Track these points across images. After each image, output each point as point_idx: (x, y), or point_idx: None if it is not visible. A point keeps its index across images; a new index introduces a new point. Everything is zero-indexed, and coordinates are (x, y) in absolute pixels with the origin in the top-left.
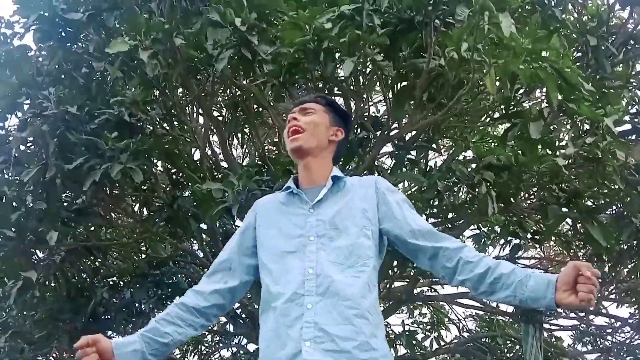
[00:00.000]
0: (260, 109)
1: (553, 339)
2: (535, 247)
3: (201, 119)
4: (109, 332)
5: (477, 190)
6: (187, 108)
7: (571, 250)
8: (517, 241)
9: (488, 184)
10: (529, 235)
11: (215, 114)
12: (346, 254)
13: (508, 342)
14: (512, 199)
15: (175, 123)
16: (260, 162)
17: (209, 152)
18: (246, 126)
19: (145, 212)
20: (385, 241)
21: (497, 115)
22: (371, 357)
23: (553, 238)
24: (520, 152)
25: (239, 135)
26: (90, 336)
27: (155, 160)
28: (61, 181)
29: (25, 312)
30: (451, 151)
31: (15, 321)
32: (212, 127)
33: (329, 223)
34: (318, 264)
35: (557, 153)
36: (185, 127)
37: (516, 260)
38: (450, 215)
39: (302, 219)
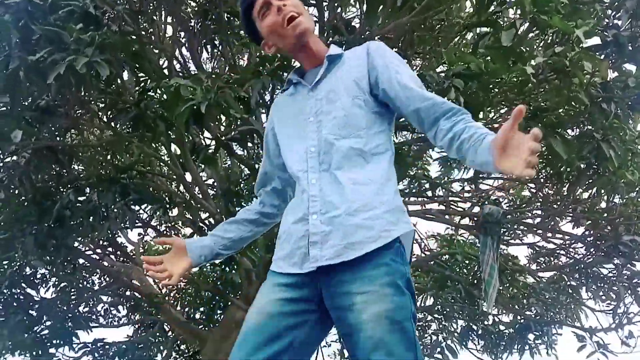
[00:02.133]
0: (232, 18)
1: (509, 258)
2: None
3: (169, 30)
4: (74, 236)
5: (446, 96)
6: (153, 9)
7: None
8: None
9: (457, 91)
10: None
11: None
12: (341, 124)
13: (466, 260)
14: (479, 109)
15: (144, 26)
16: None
17: (178, 64)
18: (216, 36)
19: (111, 115)
20: (389, 108)
21: (469, 25)
22: (373, 214)
23: None
24: (490, 60)
25: (209, 47)
26: (166, 239)
27: (121, 58)
28: (25, 74)
29: None
30: (423, 63)
31: None
32: (181, 37)
33: (325, 99)
34: (319, 142)
35: (527, 64)
36: (152, 30)
37: (479, 182)
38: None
39: (304, 102)
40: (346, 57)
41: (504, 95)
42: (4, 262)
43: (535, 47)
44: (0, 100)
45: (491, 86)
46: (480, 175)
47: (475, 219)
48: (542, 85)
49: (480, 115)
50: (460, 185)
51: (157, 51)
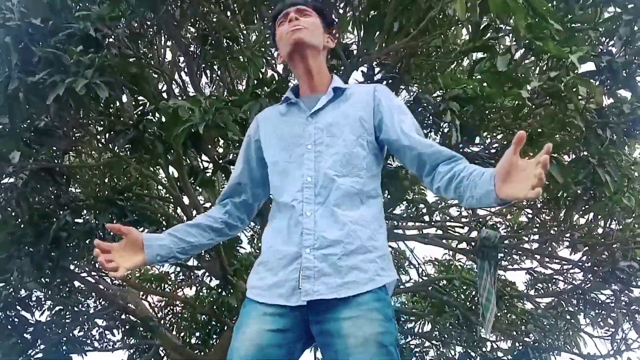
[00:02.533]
0: (231, 43)
1: (507, 284)
2: None
3: (169, 54)
4: (70, 259)
5: (442, 117)
6: (153, 33)
7: None
8: None
9: (453, 114)
10: None
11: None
12: (343, 162)
13: (464, 285)
14: (476, 133)
15: (143, 50)
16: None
17: (177, 88)
18: (215, 61)
19: (109, 137)
20: (384, 151)
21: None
22: (367, 258)
23: None
24: (486, 84)
25: (208, 72)
26: (122, 227)
27: (121, 81)
28: (24, 95)
29: None
30: (419, 90)
31: None
32: (180, 61)
33: (326, 131)
34: (317, 172)
35: (522, 88)
36: (152, 54)
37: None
38: None
39: (300, 127)
40: (350, 93)
41: (500, 120)
42: (0, 284)
43: (530, 72)
44: (0, 121)
45: (487, 110)
46: None
47: (473, 243)
48: (537, 110)
49: (477, 140)
50: (458, 211)
51: (156, 75)
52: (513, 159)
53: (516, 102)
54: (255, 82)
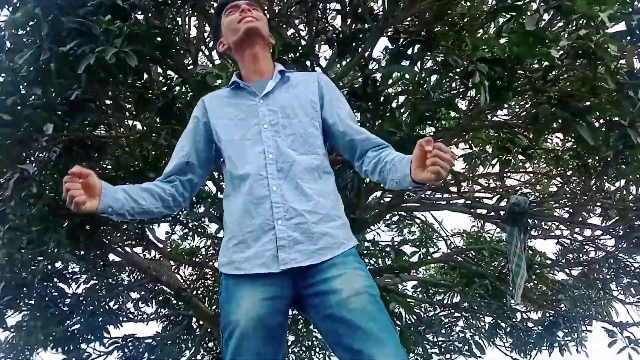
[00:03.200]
0: None
1: (537, 254)
2: (525, 166)
3: (194, 31)
4: (104, 227)
5: (470, 80)
6: (180, 3)
7: (559, 167)
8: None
9: (482, 75)
10: (520, 151)
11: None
12: (300, 141)
13: (493, 255)
14: (504, 96)
15: (169, 19)
16: None
17: (204, 60)
18: None
19: (139, 108)
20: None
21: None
22: (334, 225)
23: (543, 155)
24: (514, 45)
25: None
26: (84, 169)
27: (149, 51)
28: (55, 66)
29: (22, 207)
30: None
31: (13, 213)
32: (206, 32)
33: (281, 112)
34: (276, 150)
35: (552, 48)
36: (177, 24)
37: (505, 177)
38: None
39: (252, 108)
40: (296, 79)
41: (529, 84)
42: (38, 257)
43: (559, 32)
44: (33, 92)
45: (516, 72)
46: (506, 170)
47: (502, 212)
48: (567, 71)
49: (505, 105)
50: (486, 182)
51: (182, 49)
52: (423, 146)
53: (545, 65)
54: (281, 47)
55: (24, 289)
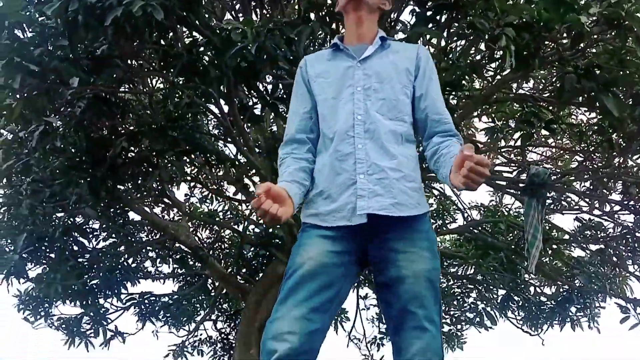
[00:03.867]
0: None
1: (554, 229)
2: (547, 142)
3: None
4: (125, 186)
5: (497, 44)
6: None
7: (582, 143)
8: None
9: (509, 40)
10: (543, 125)
11: None
12: (389, 106)
13: (510, 228)
14: (531, 63)
15: None
16: None
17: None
18: None
19: (163, 65)
20: None
21: None
22: (413, 186)
23: (566, 130)
24: (543, 10)
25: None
26: (264, 185)
27: (175, 4)
28: (83, 17)
29: (46, 159)
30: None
31: (37, 165)
32: None
33: (375, 77)
34: (365, 112)
35: (582, 14)
36: None
37: (526, 151)
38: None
39: (349, 71)
40: (396, 46)
41: (556, 54)
42: (59, 211)
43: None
44: (60, 44)
45: (544, 40)
46: (528, 144)
47: (521, 185)
48: (596, 42)
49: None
50: (507, 156)
51: (208, 11)
52: (463, 157)
53: (573, 33)
54: (307, 4)
55: (45, 241)
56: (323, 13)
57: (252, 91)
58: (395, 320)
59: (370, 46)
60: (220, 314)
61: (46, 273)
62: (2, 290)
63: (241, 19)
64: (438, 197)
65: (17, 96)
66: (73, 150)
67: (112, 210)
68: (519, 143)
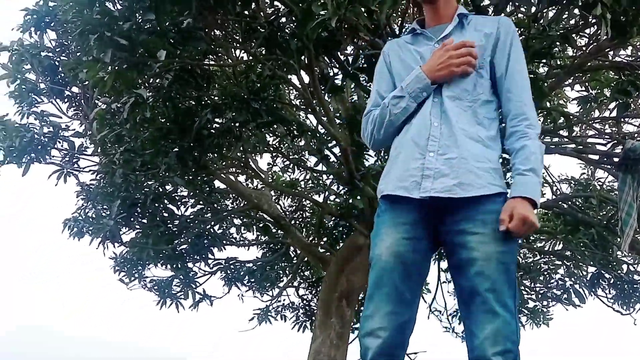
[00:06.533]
0: None
1: None
2: None
3: None
4: (210, 155)
5: (591, 12)
6: None
7: None
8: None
9: (604, 7)
10: None
11: None
12: (463, 86)
13: (602, 203)
14: (628, 31)
15: None
16: None
17: None
18: None
19: (246, 37)
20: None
21: None
22: (483, 166)
23: None
24: None
25: None
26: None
27: None
28: None
29: (137, 130)
30: None
31: (128, 135)
32: None
33: None
34: (440, 94)
35: None
36: None
37: (623, 122)
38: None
39: (428, 52)
40: (474, 21)
41: None
42: (150, 179)
43: None
44: (147, 17)
45: None
46: (624, 115)
47: (615, 159)
48: None
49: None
50: (601, 127)
51: None
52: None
53: None
54: None
55: (138, 207)
56: None
57: (333, 61)
58: (466, 303)
59: (449, 25)
60: (302, 281)
61: (139, 238)
62: (99, 252)
63: None
64: None
65: (109, 69)
66: (162, 120)
67: (198, 178)
68: (614, 114)
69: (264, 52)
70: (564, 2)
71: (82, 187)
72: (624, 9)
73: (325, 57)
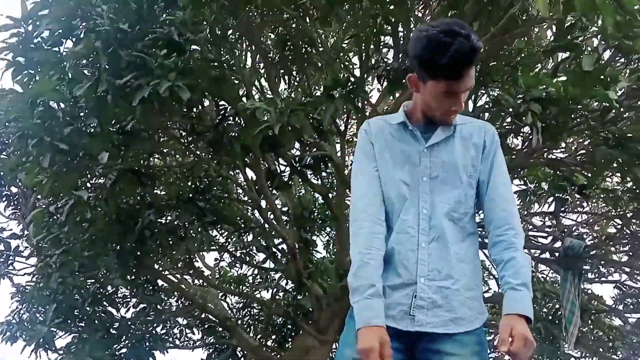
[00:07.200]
0: (309, 48)
1: (594, 297)
2: (583, 205)
3: (249, 61)
4: (153, 257)
5: (522, 120)
6: (234, 39)
7: (619, 208)
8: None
9: (535, 116)
10: (576, 190)
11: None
12: (457, 200)
13: (546, 297)
14: (559, 137)
15: (225, 56)
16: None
17: (256, 93)
18: (294, 67)
19: (190, 139)
20: None
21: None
22: (473, 295)
23: (601, 195)
24: (571, 85)
25: (286, 78)
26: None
27: (202, 84)
28: (112, 97)
29: (76, 231)
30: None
31: (67, 237)
32: (260, 67)
33: (442, 167)
34: (431, 207)
35: (610, 89)
36: (232, 60)
37: (561, 216)
38: None
39: (416, 157)
40: (463, 130)
41: (586, 124)
42: (88, 281)
43: (620, 73)
44: (90, 122)
45: (572, 113)
46: (562, 209)
47: (556, 254)
48: (626, 112)
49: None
50: (541, 220)
51: (236, 81)
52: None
53: (603, 105)
54: (331, 81)
55: (75, 311)
56: (347, 89)
57: (279, 159)
58: None
59: (439, 129)
60: None
61: (75, 343)
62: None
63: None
64: None
65: (47, 172)
66: (103, 220)
67: (141, 278)
68: (552, 208)
69: (210, 153)
70: (493, 110)
71: (17, 289)
72: (553, 116)
73: (272, 155)
